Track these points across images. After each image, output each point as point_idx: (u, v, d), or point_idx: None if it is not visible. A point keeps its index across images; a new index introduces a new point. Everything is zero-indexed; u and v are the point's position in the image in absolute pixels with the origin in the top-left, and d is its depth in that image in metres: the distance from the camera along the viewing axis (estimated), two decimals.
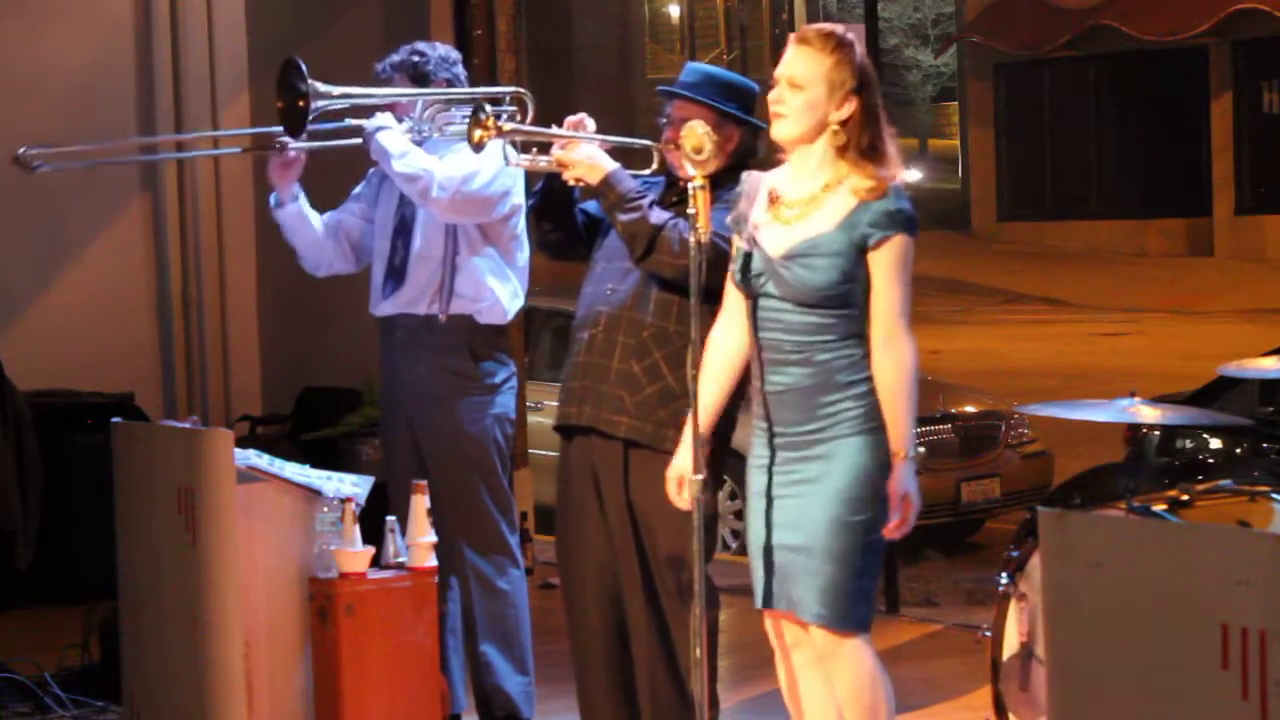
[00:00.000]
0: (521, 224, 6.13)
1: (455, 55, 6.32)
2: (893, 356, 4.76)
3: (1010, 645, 5.63)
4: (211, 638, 5.30)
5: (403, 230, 6.19)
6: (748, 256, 4.88)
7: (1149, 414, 5.35)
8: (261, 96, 8.75)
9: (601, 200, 5.41)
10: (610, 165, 5.39)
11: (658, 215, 5.34)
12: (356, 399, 8.98)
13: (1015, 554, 5.70)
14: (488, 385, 6.15)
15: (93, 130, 8.80)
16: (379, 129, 6.02)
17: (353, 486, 5.56)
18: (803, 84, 4.81)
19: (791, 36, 4.91)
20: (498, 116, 5.29)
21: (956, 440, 9.95)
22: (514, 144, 5.61)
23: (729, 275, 4.95)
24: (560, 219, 5.61)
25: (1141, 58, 26.38)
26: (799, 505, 4.79)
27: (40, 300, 9.01)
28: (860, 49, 4.87)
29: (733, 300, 4.97)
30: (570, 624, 5.64)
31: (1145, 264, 25.83)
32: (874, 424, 4.77)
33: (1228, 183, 26.21)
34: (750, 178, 4.99)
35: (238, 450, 5.40)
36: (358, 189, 6.42)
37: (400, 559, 5.58)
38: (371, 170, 6.34)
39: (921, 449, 4.80)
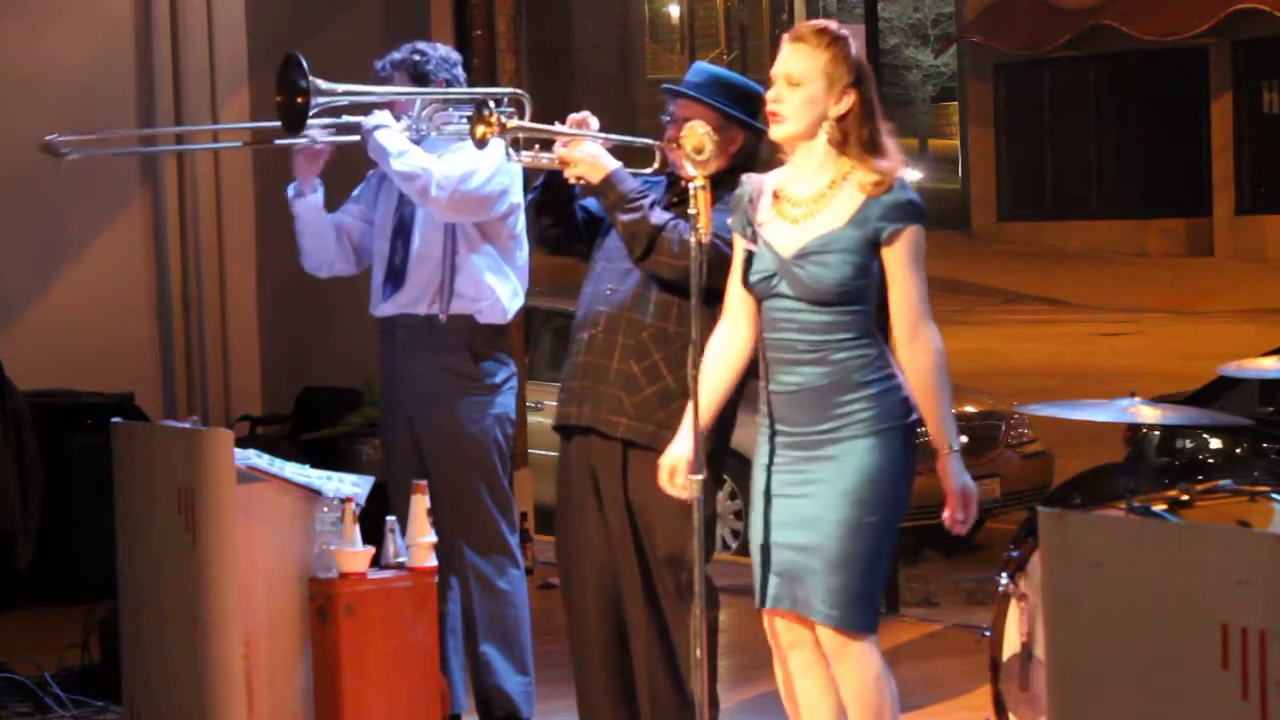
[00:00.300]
0: (520, 223, 6.13)
1: (456, 56, 6.33)
2: (921, 346, 4.78)
3: (1010, 645, 5.63)
4: (211, 638, 5.30)
5: (402, 231, 6.19)
6: (753, 258, 4.88)
7: (1149, 414, 5.35)
8: (261, 95, 8.76)
9: (602, 199, 5.41)
10: (612, 164, 5.39)
11: (658, 216, 5.34)
12: (356, 399, 8.98)
13: (1015, 554, 5.70)
14: (488, 385, 6.15)
15: (93, 128, 8.81)
16: (377, 127, 6.02)
17: (353, 486, 5.56)
18: (800, 80, 4.81)
19: (785, 35, 4.92)
20: (501, 113, 5.29)
21: None
22: (517, 141, 5.60)
23: (734, 279, 4.94)
24: (560, 214, 5.61)
25: (1141, 58, 26.38)
26: (808, 505, 4.79)
27: (40, 300, 9.02)
28: (855, 43, 4.88)
29: (735, 303, 4.96)
30: (569, 624, 5.64)
31: (1145, 264, 25.83)
32: (885, 425, 4.77)
33: (1228, 183, 26.22)
34: (750, 180, 4.98)
35: (238, 450, 5.39)
36: (357, 190, 6.42)
37: (400, 559, 5.58)
38: (371, 171, 6.34)
39: (964, 438, 4.81)
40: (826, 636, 4.83)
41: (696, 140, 4.80)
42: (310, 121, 5.89)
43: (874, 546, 4.79)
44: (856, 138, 4.81)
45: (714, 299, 5.25)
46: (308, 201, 6.22)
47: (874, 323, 4.81)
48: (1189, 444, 8.29)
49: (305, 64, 5.78)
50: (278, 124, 5.97)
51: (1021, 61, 27.82)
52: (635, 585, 5.46)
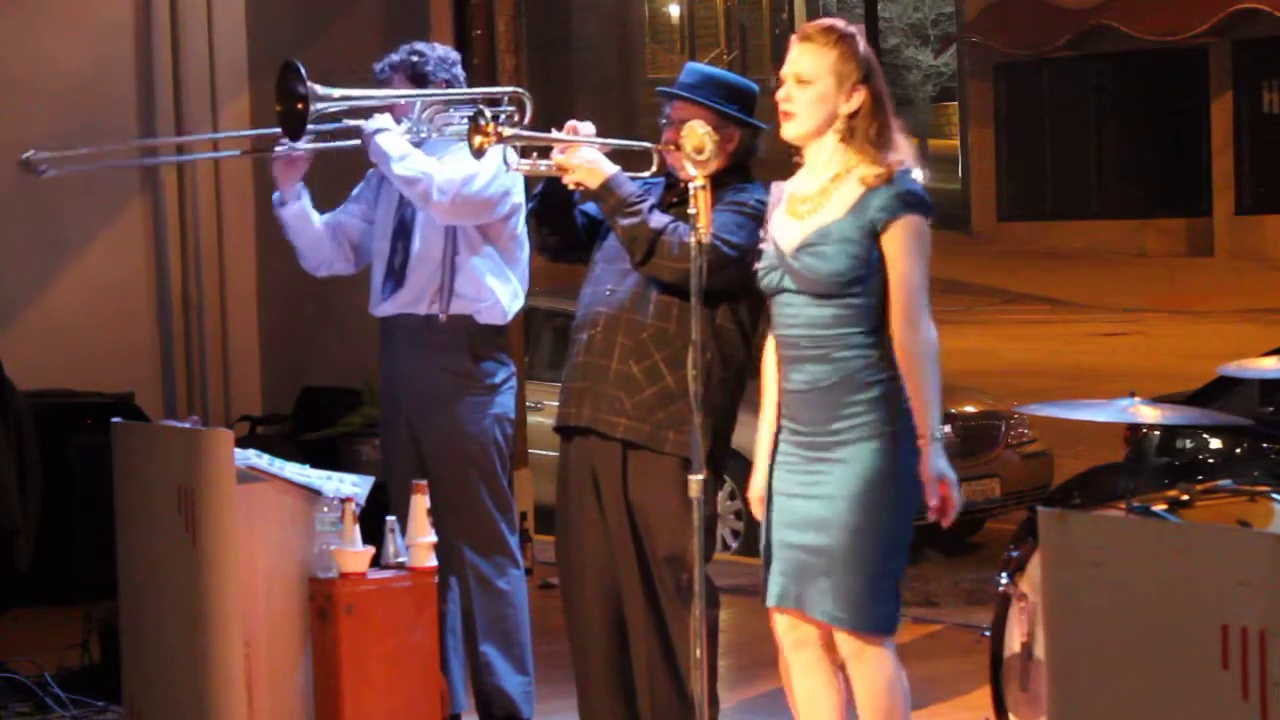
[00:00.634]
0: (521, 223, 6.13)
1: (454, 56, 6.32)
2: (913, 335, 4.78)
3: (1010, 645, 5.63)
4: (211, 638, 5.30)
5: (402, 231, 6.19)
6: (762, 255, 4.93)
7: (1149, 414, 5.35)
8: (261, 98, 8.76)
9: (601, 204, 5.41)
10: (610, 169, 5.39)
11: (657, 219, 5.33)
12: (356, 399, 8.97)
13: (1015, 554, 5.70)
14: (488, 385, 6.15)
15: (93, 131, 8.79)
16: (378, 131, 6.01)
17: (353, 486, 5.56)
18: (810, 79, 4.83)
19: (794, 35, 4.94)
20: (497, 120, 5.28)
21: (956, 440, 9.95)
22: (514, 148, 5.60)
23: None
24: (559, 222, 5.61)
25: (1141, 58, 26.37)
26: (817, 507, 4.80)
27: (40, 300, 9.01)
28: (862, 40, 4.90)
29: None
30: (570, 624, 5.64)
31: (1145, 264, 25.82)
32: (891, 428, 4.78)
33: (1228, 183, 26.21)
34: (775, 188, 5.03)
35: (238, 450, 5.39)
36: (357, 190, 6.42)
37: (400, 559, 5.58)
38: (371, 171, 6.34)
39: (947, 428, 4.83)
40: (842, 638, 4.84)
41: (697, 140, 4.80)
42: (314, 128, 5.90)
43: (884, 549, 4.79)
44: (865, 134, 4.82)
45: (715, 300, 5.26)
46: (291, 210, 6.23)
47: (879, 321, 4.81)
48: (1189, 444, 8.29)
49: (304, 70, 5.78)
50: (276, 130, 5.97)
51: (1021, 61, 27.81)
52: (635, 585, 5.45)
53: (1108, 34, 26.07)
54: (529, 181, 5.90)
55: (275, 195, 6.25)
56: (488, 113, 5.28)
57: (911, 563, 5.10)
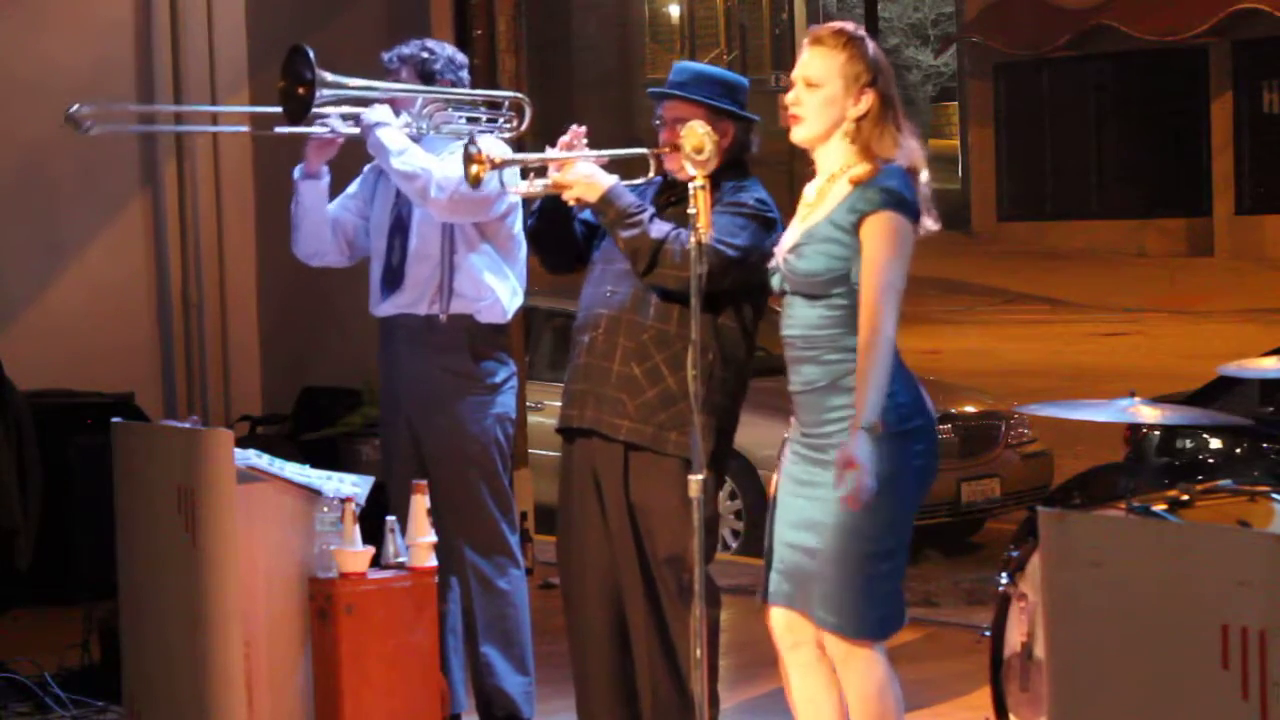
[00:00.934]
0: (519, 223, 6.12)
1: (462, 59, 6.32)
2: (868, 327, 4.72)
3: (1010, 645, 5.63)
4: (211, 638, 5.30)
5: (399, 229, 6.18)
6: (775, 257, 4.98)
7: (1149, 414, 5.35)
8: (261, 97, 8.74)
9: (601, 217, 5.41)
10: (607, 182, 5.38)
11: (658, 229, 5.32)
12: (356, 399, 8.97)
13: (1015, 554, 5.70)
14: (488, 385, 6.15)
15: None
16: (378, 124, 6.01)
17: (353, 486, 5.56)
18: (818, 82, 4.84)
19: (805, 38, 4.94)
20: (489, 153, 5.28)
21: (956, 440, 9.96)
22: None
23: None
24: (561, 240, 5.62)
25: (1141, 58, 26.37)
26: (812, 508, 4.81)
27: (40, 300, 9.01)
28: (873, 43, 4.90)
29: None
30: (571, 625, 5.64)
31: (1145, 264, 25.82)
32: (883, 432, 4.77)
33: (1228, 183, 26.22)
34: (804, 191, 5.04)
35: (238, 450, 5.39)
36: (354, 187, 6.39)
37: (400, 559, 5.58)
38: (368, 168, 6.34)
39: (875, 420, 4.72)
40: (830, 642, 4.84)
41: (697, 140, 4.80)
42: (316, 111, 5.89)
43: (876, 552, 4.78)
44: (871, 136, 4.82)
45: (717, 300, 5.26)
46: (312, 185, 6.19)
47: None
48: (1189, 444, 8.29)
49: (312, 55, 5.78)
50: (291, 112, 5.93)
51: (1021, 61, 27.81)
52: (636, 586, 5.46)
53: (1108, 34, 26.07)
54: (526, 202, 5.91)
55: (298, 169, 6.22)
56: (478, 143, 5.28)
57: (911, 563, 5.10)
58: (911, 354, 5.10)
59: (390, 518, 5.66)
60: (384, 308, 6.20)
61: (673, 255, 5.27)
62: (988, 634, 5.73)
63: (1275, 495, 5.51)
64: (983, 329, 20.86)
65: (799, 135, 4.90)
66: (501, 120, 6.15)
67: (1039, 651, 5.47)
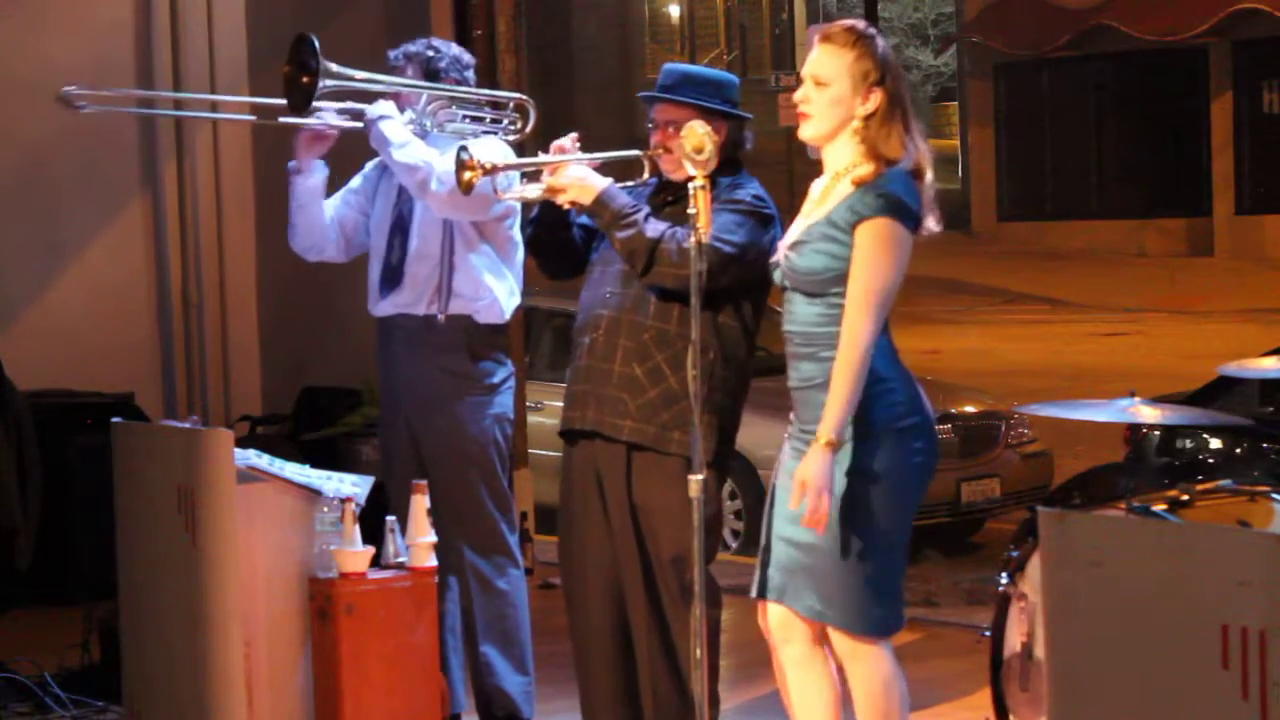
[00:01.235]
0: (517, 228, 6.13)
1: (469, 59, 6.31)
2: (849, 335, 4.71)
3: (1010, 645, 5.63)
4: (211, 638, 5.30)
5: (399, 228, 6.17)
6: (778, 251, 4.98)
7: (1149, 414, 5.35)
8: (261, 96, 8.74)
9: (597, 220, 5.41)
10: (601, 184, 5.38)
11: (654, 228, 5.32)
12: (356, 399, 8.97)
13: (1015, 554, 5.70)
14: (487, 385, 6.14)
15: (93, 131, 8.80)
16: (381, 117, 6.01)
17: (353, 486, 5.56)
18: (827, 80, 4.84)
19: (816, 35, 4.94)
20: (480, 160, 5.30)
21: (956, 440, 9.96)
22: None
23: None
24: (559, 246, 5.63)
25: (1141, 58, 26.37)
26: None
27: (40, 300, 9.01)
28: (883, 42, 4.89)
29: None
30: (572, 625, 5.64)
31: (1145, 264, 25.83)
32: (880, 428, 4.77)
33: (1228, 183, 26.22)
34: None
35: (238, 450, 5.39)
36: (356, 184, 6.38)
37: (400, 559, 5.58)
38: (369, 166, 6.33)
39: (834, 437, 4.68)
40: (837, 638, 4.85)
41: (696, 140, 4.80)
42: (317, 104, 5.89)
43: (875, 548, 4.78)
44: (879, 136, 4.82)
45: (717, 298, 5.26)
46: (308, 183, 6.19)
47: None
48: (1189, 444, 8.29)
49: (317, 44, 5.78)
50: (293, 101, 5.93)
51: (1021, 61, 27.82)
52: (638, 586, 5.46)
53: (1108, 34, 26.08)
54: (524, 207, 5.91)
55: (291, 164, 6.22)
56: (470, 149, 5.29)
57: (911, 563, 5.10)
58: (911, 354, 5.10)
59: (390, 518, 5.66)
60: (383, 307, 6.19)
61: (670, 254, 5.27)
62: (988, 634, 5.73)
63: (1275, 495, 5.51)
64: (983, 329, 20.86)
65: (807, 133, 4.91)
66: (505, 122, 6.14)
67: (1039, 651, 5.47)
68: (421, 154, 5.95)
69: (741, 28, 39.94)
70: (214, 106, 8.79)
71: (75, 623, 6.85)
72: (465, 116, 6.12)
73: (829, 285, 4.79)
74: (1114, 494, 6.26)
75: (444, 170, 5.90)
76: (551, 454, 5.88)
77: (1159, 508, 5.42)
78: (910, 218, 4.80)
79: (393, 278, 6.15)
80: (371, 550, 5.51)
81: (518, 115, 6.12)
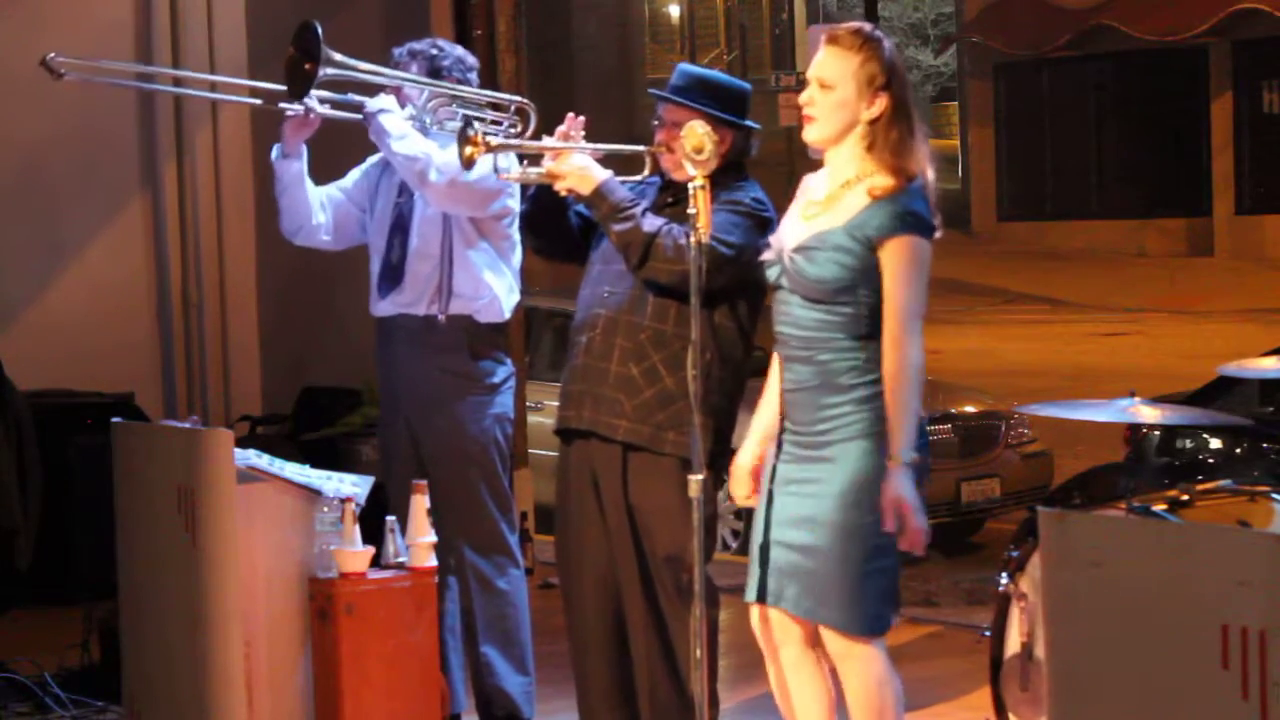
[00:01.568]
0: (515, 228, 6.12)
1: (472, 61, 6.30)
2: (897, 355, 4.76)
3: (1010, 645, 5.63)
4: (211, 638, 5.30)
5: (399, 227, 6.17)
6: (771, 249, 4.95)
7: (1149, 414, 5.35)
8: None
9: (594, 211, 5.40)
10: (601, 175, 5.38)
11: (651, 223, 5.32)
12: (356, 399, 8.97)
13: (1015, 554, 5.70)
14: (487, 385, 6.15)
15: (93, 131, 8.81)
16: (381, 110, 6.01)
17: (353, 486, 5.56)
18: (832, 83, 4.82)
19: (823, 35, 4.93)
20: (486, 133, 5.29)
21: (956, 440, 9.96)
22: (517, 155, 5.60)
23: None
24: (552, 226, 5.62)
25: (1141, 58, 26.38)
26: (804, 505, 4.81)
27: (40, 300, 9.01)
28: (889, 45, 4.88)
29: None
30: (570, 625, 5.64)
31: (1145, 264, 25.83)
32: (880, 428, 4.77)
33: (1228, 183, 26.22)
34: (805, 181, 5.03)
35: (238, 450, 5.39)
36: (354, 180, 6.36)
37: (400, 559, 5.58)
38: (371, 163, 6.33)
39: (915, 455, 4.77)
40: (830, 637, 4.84)
41: (697, 140, 4.80)
42: (315, 92, 5.89)
43: (871, 549, 4.78)
44: (885, 141, 4.80)
45: (714, 299, 5.26)
46: (291, 167, 6.18)
47: (869, 329, 4.80)
48: (1189, 444, 8.29)
49: (320, 32, 5.78)
50: (282, 87, 5.93)
51: (1021, 61, 27.82)
52: (635, 586, 5.46)
53: (1108, 34, 26.07)
54: (523, 186, 5.90)
55: (276, 148, 6.21)
56: (476, 124, 5.29)
57: (911, 563, 5.11)
58: None
59: (390, 518, 5.66)
60: (383, 306, 6.19)
61: (665, 250, 5.27)
62: (988, 634, 5.73)
63: (1275, 495, 5.51)
64: (983, 329, 20.86)
65: (811, 135, 4.90)
66: (506, 124, 6.14)
67: (1039, 651, 5.47)
68: (420, 146, 5.95)
69: (741, 28, 39.93)
70: (213, 87, 8.76)
71: (75, 623, 6.85)
72: (464, 115, 6.11)
73: (837, 295, 4.78)
74: (1114, 494, 6.27)
75: (443, 161, 5.90)
76: (552, 454, 5.88)
77: (1159, 508, 5.42)
78: (930, 230, 4.82)
79: (393, 276, 6.15)
80: (371, 550, 5.51)
81: (518, 118, 6.12)
